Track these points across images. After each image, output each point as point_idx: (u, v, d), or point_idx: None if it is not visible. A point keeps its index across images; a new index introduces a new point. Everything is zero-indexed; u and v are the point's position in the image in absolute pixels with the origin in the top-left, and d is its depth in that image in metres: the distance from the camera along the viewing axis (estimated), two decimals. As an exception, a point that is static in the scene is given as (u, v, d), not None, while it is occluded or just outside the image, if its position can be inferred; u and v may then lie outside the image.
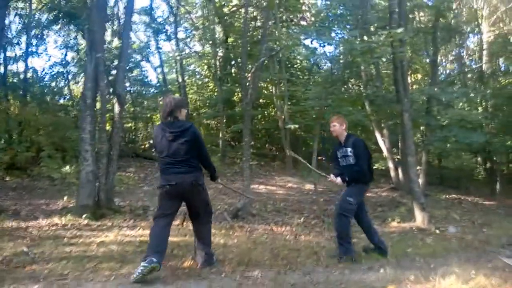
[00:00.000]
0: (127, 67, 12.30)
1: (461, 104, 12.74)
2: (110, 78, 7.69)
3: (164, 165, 3.67)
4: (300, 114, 12.11)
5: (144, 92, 15.25)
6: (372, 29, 9.64)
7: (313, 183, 8.11)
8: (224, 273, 3.69)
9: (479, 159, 13.62)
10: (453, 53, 16.31)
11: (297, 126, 11.38)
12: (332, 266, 4.12)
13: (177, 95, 3.64)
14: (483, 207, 9.93)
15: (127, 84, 13.96)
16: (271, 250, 4.70)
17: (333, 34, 9.26)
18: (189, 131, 3.62)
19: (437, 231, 6.42)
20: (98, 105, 6.62)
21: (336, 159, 4.59)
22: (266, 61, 13.14)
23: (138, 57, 14.18)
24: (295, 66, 16.27)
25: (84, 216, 5.73)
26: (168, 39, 15.29)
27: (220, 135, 13.43)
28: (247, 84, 6.90)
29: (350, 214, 4.35)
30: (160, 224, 3.63)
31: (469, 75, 15.29)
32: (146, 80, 14.73)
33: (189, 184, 3.58)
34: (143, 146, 14.61)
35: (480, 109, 13.07)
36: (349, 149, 4.35)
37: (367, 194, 10.22)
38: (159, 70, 16.20)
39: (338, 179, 4.41)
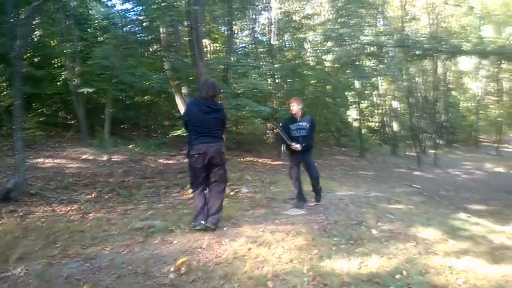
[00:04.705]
0: None
1: (254, 75, 13.77)
2: None
3: (195, 135, 4.23)
4: (94, 77, 10.80)
5: None
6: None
7: (108, 154, 7.34)
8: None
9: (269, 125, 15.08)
10: (248, 27, 17.43)
11: (91, 90, 10.18)
12: (120, 246, 3.67)
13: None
14: (271, 167, 11.03)
15: None
16: (47, 237, 3.91)
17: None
18: (221, 111, 4.38)
19: (232, 193, 6.67)
20: None
21: (287, 130, 5.65)
22: (52, 14, 11.16)
23: None
24: (91, 24, 14.41)
25: None
26: None
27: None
28: (15, 34, 5.49)
29: None
30: (200, 191, 4.32)
31: (261, 49, 16.65)
32: None
33: (214, 151, 4.20)
34: None
35: (269, 80, 14.45)
36: (305, 124, 5.60)
37: (170, 162, 10.20)
38: None
39: (298, 146, 5.50)
